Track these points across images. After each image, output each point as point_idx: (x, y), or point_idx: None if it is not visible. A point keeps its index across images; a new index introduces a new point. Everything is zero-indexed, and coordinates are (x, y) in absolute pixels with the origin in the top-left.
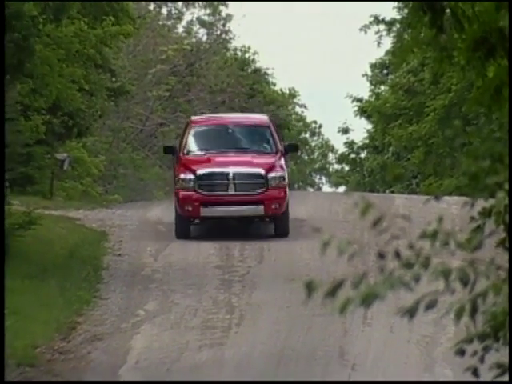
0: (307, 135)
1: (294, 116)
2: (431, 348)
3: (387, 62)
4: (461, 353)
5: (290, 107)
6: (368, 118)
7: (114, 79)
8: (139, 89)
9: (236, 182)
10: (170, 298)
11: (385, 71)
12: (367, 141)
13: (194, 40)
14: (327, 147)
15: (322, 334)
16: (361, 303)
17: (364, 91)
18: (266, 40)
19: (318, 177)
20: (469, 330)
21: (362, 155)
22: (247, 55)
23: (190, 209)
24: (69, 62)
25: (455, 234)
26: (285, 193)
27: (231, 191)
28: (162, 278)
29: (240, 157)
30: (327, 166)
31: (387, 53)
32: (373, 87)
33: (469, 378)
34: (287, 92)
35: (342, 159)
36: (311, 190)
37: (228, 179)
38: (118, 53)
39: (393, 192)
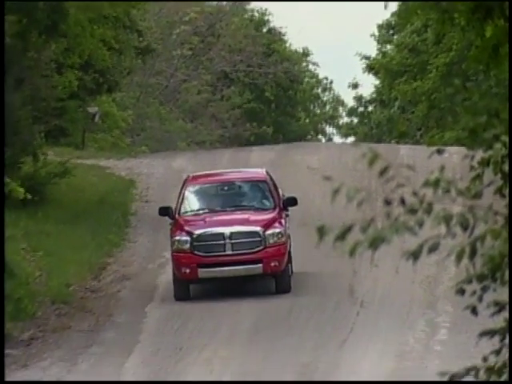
0: (319, 90)
1: (307, 73)
2: (434, 287)
3: (393, 23)
4: (461, 292)
5: (303, 65)
6: (375, 74)
7: (141, 39)
8: (164, 48)
9: (233, 241)
10: None
11: (391, 31)
12: (375, 95)
13: (214, 3)
14: (338, 101)
15: (332, 276)
16: (369, 246)
17: (372, 50)
18: (281, 3)
19: (329, 128)
20: (468, 271)
21: (370, 109)
22: (263, 17)
23: (188, 271)
24: (99, 24)
25: (456, 182)
26: (284, 249)
27: (228, 251)
28: None
29: (236, 215)
30: (338, 119)
31: (393, 14)
32: (380, 46)
33: (468, 315)
34: (301, 51)
35: (351, 112)
36: (323, 140)
37: (224, 239)
38: (145, 15)
39: (398, 143)
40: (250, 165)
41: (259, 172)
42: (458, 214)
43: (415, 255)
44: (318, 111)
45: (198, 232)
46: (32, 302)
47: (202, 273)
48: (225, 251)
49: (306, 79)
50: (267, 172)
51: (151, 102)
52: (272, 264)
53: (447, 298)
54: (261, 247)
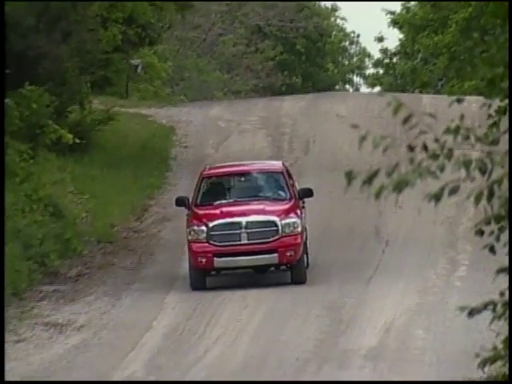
0: (347, 43)
1: (335, 27)
2: (454, 227)
3: None
4: (480, 233)
5: (331, 19)
6: (399, 28)
7: None
8: (202, 4)
9: (249, 230)
10: None
11: None
12: (399, 48)
13: None
14: (364, 54)
15: (359, 216)
16: (393, 189)
17: (396, 5)
18: None
19: (356, 78)
20: (486, 212)
21: (395, 60)
22: None
23: (204, 261)
24: None
25: (475, 129)
26: (300, 239)
27: (244, 240)
28: None
29: (252, 205)
30: (364, 70)
31: None
32: (404, 2)
33: (486, 254)
34: (330, 7)
35: (377, 64)
36: (350, 90)
37: (240, 228)
38: None
39: (421, 93)
40: (282, 113)
41: (275, 164)
42: (476, 159)
43: (437, 197)
44: (346, 63)
45: (213, 221)
46: (79, 241)
47: (218, 262)
48: (240, 241)
49: (335, 33)
50: (283, 164)
51: (190, 55)
52: (288, 254)
53: (466, 238)
54: (276, 237)
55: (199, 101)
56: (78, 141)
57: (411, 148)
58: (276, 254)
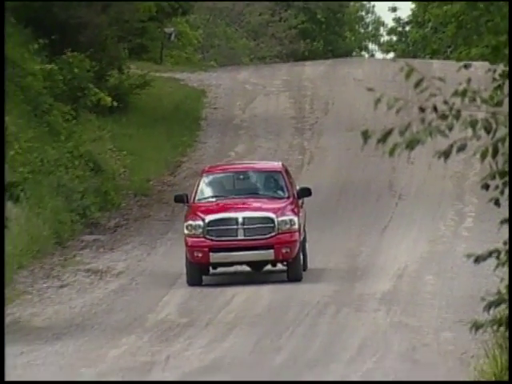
0: (363, 13)
1: None
2: (461, 182)
3: None
4: (485, 187)
5: None
6: None
7: None
8: None
9: (245, 226)
10: (255, 142)
11: None
12: (411, 17)
13: None
14: (379, 22)
15: (375, 171)
16: (406, 147)
17: None
18: None
19: (371, 45)
20: (491, 168)
21: (407, 29)
22: None
23: (200, 255)
24: None
25: (481, 92)
26: (296, 237)
27: (240, 236)
28: (249, 127)
29: (250, 202)
30: (379, 37)
31: None
32: None
33: (491, 206)
34: None
35: (390, 32)
36: (366, 56)
37: (237, 224)
38: None
39: (431, 58)
40: (304, 77)
41: (275, 164)
42: (482, 119)
43: (446, 154)
44: (362, 31)
45: (210, 217)
46: (117, 194)
47: (214, 257)
48: (237, 236)
49: (352, 3)
50: (283, 164)
51: (219, 23)
52: (283, 251)
53: (473, 191)
54: (273, 233)
55: (228, 66)
56: (115, 104)
57: (422, 109)
58: (272, 251)
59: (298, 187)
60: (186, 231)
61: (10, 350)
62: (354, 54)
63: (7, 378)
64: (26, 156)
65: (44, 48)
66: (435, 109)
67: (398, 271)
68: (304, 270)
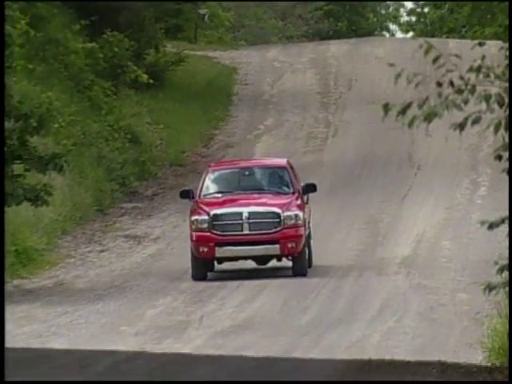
0: None
1: None
2: (476, 153)
3: None
4: (498, 158)
5: None
6: None
7: None
8: None
9: (251, 221)
10: (283, 116)
11: None
12: None
13: None
14: (399, 4)
15: (395, 143)
16: (424, 120)
17: None
18: None
19: (392, 26)
20: (504, 139)
21: (426, 10)
22: None
23: (205, 250)
24: None
25: (494, 68)
26: (302, 232)
27: (246, 231)
28: (277, 102)
29: (255, 197)
30: (399, 18)
31: None
32: None
33: (504, 176)
34: None
35: (410, 13)
36: (387, 35)
37: (242, 219)
38: None
39: (448, 37)
40: (329, 55)
41: (280, 160)
42: (495, 93)
43: (461, 126)
44: (384, 12)
45: (216, 211)
46: (154, 165)
47: (220, 252)
48: (242, 231)
49: None
50: (288, 161)
51: (249, 5)
52: (289, 245)
53: (487, 162)
54: (278, 228)
55: (257, 45)
56: (151, 81)
57: (439, 84)
58: (277, 245)
59: (302, 183)
60: (191, 226)
61: (54, 311)
62: (376, 33)
63: (54, 336)
64: (69, 129)
65: (85, 28)
66: (451, 84)
67: (416, 237)
68: (309, 266)
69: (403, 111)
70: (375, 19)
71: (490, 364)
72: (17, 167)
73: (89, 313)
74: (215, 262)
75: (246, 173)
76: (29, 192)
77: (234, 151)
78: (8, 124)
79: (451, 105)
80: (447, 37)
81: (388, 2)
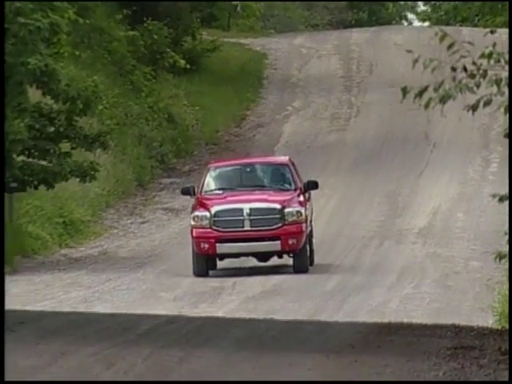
0: None
1: None
2: (487, 132)
3: None
4: (508, 137)
5: None
6: None
7: None
8: None
9: (252, 217)
10: (309, 98)
11: None
12: None
13: None
14: None
15: (412, 123)
16: (439, 101)
17: None
18: None
19: (410, 15)
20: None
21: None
22: None
23: (206, 246)
24: None
25: (504, 54)
26: (303, 228)
27: (247, 227)
28: (304, 85)
29: (256, 193)
30: (416, 7)
31: None
32: None
33: None
34: None
35: (426, 3)
36: (405, 24)
37: (243, 215)
38: None
39: (461, 26)
40: (351, 42)
41: (282, 157)
42: (505, 77)
43: (474, 108)
44: (402, 2)
45: (217, 208)
46: (190, 143)
47: (221, 248)
48: (243, 227)
49: None
50: (290, 159)
51: None
52: (290, 242)
53: (497, 141)
54: (279, 224)
55: (285, 33)
56: (188, 66)
57: (453, 69)
58: (278, 242)
59: (305, 180)
60: (192, 222)
61: (98, 278)
62: (395, 22)
63: (98, 301)
64: (112, 110)
65: (127, 17)
66: (465, 69)
67: (432, 209)
68: (311, 264)
69: (420, 94)
70: (394, 9)
71: (500, 327)
72: (64, 146)
73: (130, 280)
74: (217, 260)
75: (248, 170)
76: (76, 169)
77: (265, 130)
78: (56, 106)
79: (464, 88)
80: (461, 25)
81: None
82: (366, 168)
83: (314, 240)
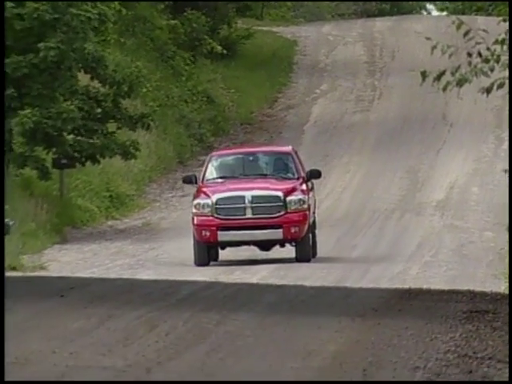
0: None
1: None
2: (500, 113)
3: None
4: None
5: None
6: None
7: None
8: None
9: (254, 205)
10: (336, 82)
11: None
12: None
13: None
14: None
15: (431, 105)
16: (456, 84)
17: None
18: None
19: (429, 5)
20: None
21: None
22: None
23: (208, 234)
24: None
25: None
26: (305, 217)
27: (249, 215)
28: (331, 70)
29: (258, 181)
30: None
31: None
32: None
33: None
34: None
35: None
36: (425, 13)
37: (245, 203)
38: None
39: (476, 15)
40: (375, 30)
41: (284, 147)
42: None
43: (488, 90)
44: None
45: (218, 195)
46: (227, 123)
47: (222, 235)
48: (245, 215)
49: None
50: (293, 148)
51: None
52: (292, 230)
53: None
54: (282, 212)
55: (314, 21)
56: (225, 52)
57: (469, 54)
58: (280, 230)
59: (307, 169)
60: (193, 210)
61: (142, 247)
62: (415, 12)
63: (142, 269)
64: (154, 93)
65: (169, 7)
66: (480, 54)
67: (449, 184)
68: (313, 255)
69: (438, 77)
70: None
71: None
72: (110, 126)
73: (172, 249)
74: (219, 250)
75: (250, 158)
76: (120, 147)
77: (295, 111)
78: (103, 89)
79: (479, 72)
80: (476, 14)
81: None
82: (388, 146)
83: (316, 231)
